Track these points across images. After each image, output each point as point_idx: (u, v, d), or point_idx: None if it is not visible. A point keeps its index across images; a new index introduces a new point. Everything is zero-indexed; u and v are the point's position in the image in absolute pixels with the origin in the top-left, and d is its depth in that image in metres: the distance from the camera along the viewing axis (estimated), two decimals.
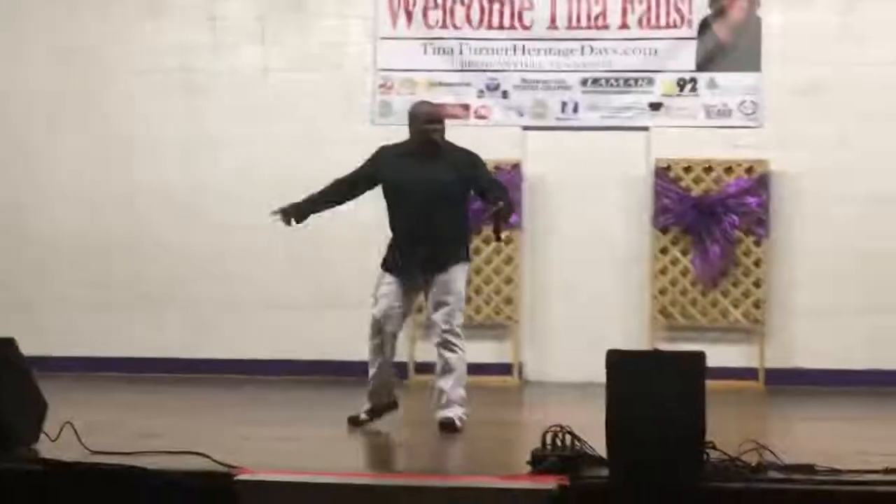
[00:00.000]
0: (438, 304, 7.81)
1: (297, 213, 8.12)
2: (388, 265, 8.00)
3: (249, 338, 11.17)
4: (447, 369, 7.78)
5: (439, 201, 7.79)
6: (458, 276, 7.85)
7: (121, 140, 11.44)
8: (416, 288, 7.97)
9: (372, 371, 7.93)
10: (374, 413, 7.99)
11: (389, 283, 7.92)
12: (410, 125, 7.97)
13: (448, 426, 7.66)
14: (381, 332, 7.87)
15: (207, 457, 6.05)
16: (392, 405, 8.07)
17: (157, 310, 11.32)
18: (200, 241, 11.31)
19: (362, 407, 7.96)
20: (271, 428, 7.67)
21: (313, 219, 10.88)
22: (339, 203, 8.30)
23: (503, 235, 7.94)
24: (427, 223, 7.83)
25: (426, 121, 7.89)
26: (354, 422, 7.95)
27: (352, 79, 11.26)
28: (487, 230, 9.58)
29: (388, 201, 8.03)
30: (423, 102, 8.47)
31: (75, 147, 11.53)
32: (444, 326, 7.77)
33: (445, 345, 7.79)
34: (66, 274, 11.46)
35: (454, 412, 7.73)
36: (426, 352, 10.79)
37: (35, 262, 11.50)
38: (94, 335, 11.29)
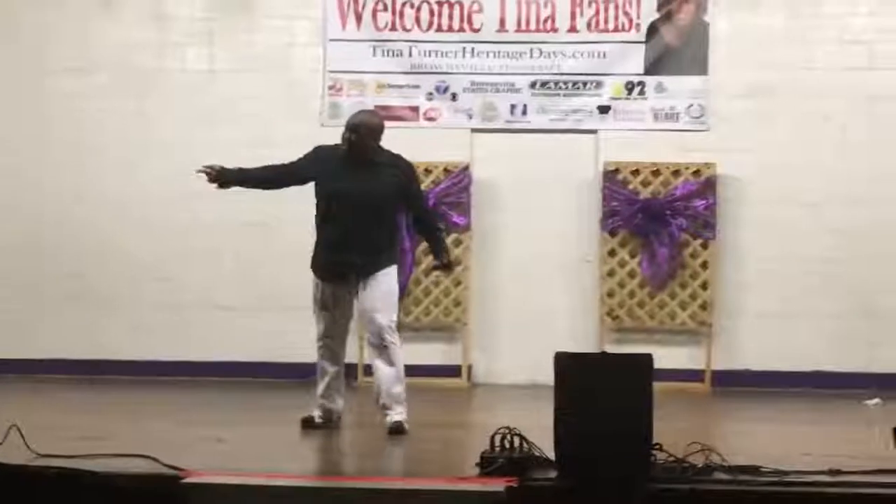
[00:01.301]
0: (371, 307, 7.82)
1: (224, 176, 8.09)
2: (318, 271, 8.01)
3: (193, 340, 11.10)
4: (385, 368, 7.82)
5: (372, 213, 7.85)
6: (387, 278, 7.88)
7: (62, 140, 11.31)
8: (349, 290, 7.95)
9: (322, 378, 7.99)
10: (326, 416, 8.01)
11: (325, 294, 7.93)
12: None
13: (396, 430, 7.71)
14: (327, 347, 7.97)
15: (154, 459, 6.03)
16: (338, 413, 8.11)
17: (98, 312, 11.21)
18: (143, 243, 11.23)
19: (314, 409, 7.97)
20: (217, 430, 7.63)
21: (256, 219, 10.96)
22: (266, 188, 8.38)
23: (449, 263, 8.16)
24: (357, 233, 7.85)
25: (346, 128, 7.95)
26: (308, 423, 7.97)
27: (300, 80, 11.22)
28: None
29: (319, 204, 8.02)
30: (357, 112, 8.38)
31: (12, 145, 11.39)
32: (380, 324, 7.77)
33: (380, 344, 7.81)
34: (3, 275, 11.32)
35: (400, 415, 7.76)
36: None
37: None
38: (34, 337, 11.17)
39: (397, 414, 7.77)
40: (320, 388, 8.02)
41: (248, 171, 8.21)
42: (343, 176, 7.86)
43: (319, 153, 8.12)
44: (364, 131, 7.92)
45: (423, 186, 9.29)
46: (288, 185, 8.27)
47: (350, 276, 7.88)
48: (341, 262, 7.85)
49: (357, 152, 7.89)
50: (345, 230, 7.85)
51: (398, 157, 8.07)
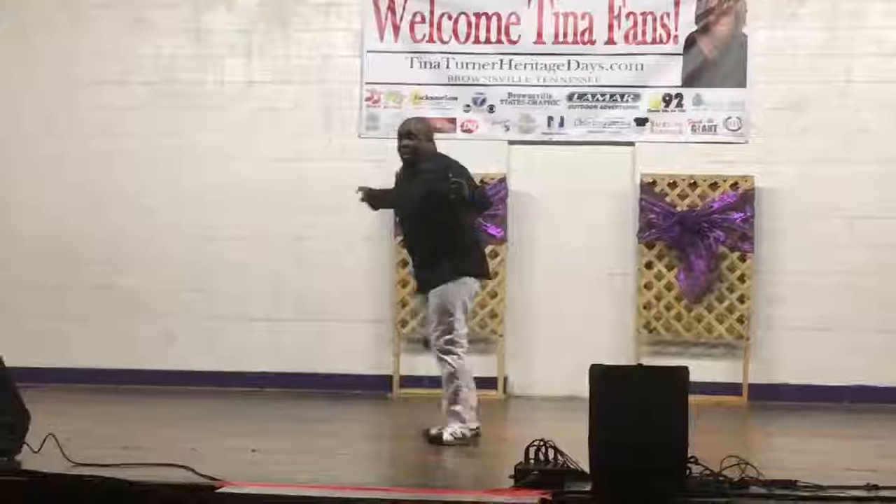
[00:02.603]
0: (430, 322, 7.97)
1: (376, 200, 8.18)
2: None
3: (226, 350, 11.15)
4: (443, 384, 7.92)
5: (415, 217, 7.95)
6: (443, 295, 7.85)
7: (97, 151, 11.38)
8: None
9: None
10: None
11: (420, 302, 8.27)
12: None
13: (434, 439, 7.80)
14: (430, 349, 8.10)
15: (190, 469, 6.05)
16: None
17: (131, 322, 11.27)
18: (177, 254, 11.28)
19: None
20: (253, 440, 7.65)
21: (290, 231, 10.99)
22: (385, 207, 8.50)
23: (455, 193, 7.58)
24: (410, 240, 8.10)
25: (396, 137, 8.08)
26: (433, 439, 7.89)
27: (338, 92, 11.26)
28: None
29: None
30: (405, 120, 8.42)
31: (46, 156, 11.47)
32: (434, 344, 7.89)
33: (438, 361, 7.92)
34: (36, 285, 11.40)
35: (446, 428, 7.81)
36: (410, 366, 10.84)
37: (9, 269, 11.45)
38: (66, 346, 11.24)
39: (440, 426, 7.85)
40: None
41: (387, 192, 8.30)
42: (402, 189, 8.05)
43: (397, 173, 8.32)
44: (418, 133, 8.00)
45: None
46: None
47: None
48: (414, 275, 8.17)
49: (414, 157, 7.94)
50: (408, 245, 8.17)
51: (440, 158, 8.00)
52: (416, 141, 7.99)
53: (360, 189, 8.12)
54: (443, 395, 7.94)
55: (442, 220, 7.81)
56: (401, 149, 8.02)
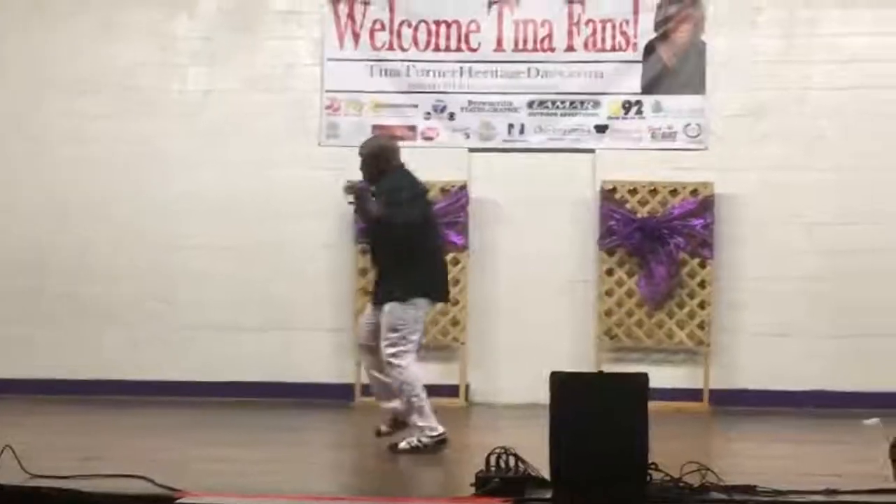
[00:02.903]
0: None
1: (359, 200, 8.00)
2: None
3: (192, 359, 11.09)
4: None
5: (374, 235, 8.09)
6: (392, 312, 7.87)
7: (61, 158, 11.32)
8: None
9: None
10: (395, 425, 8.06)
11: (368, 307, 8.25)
12: None
13: (391, 448, 7.83)
14: (360, 348, 8.19)
15: (149, 480, 6.01)
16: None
17: (97, 331, 11.20)
18: (143, 262, 11.23)
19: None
20: (213, 450, 7.62)
21: (259, 239, 10.99)
22: None
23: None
24: (372, 253, 8.23)
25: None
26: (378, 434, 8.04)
27: (299, 100, 11.25)
28: None
29: None
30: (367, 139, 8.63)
31: (10, 163, 11.41)
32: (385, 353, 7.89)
33: (387, 370, 7.94)
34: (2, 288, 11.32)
35: (406, 438, 7.85)
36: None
37: None
38: (30, 356, 11.15)
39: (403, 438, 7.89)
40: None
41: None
42: None
43: None
44: (365, 156, 8.05)
45: None
46: None
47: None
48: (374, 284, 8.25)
49: (370, 179, 7.98)
50: (371, 256, 8.31)
51: (391, 178, 7.96)
52: (368, 164, 8.02)
53: (349, 184, 8.01)
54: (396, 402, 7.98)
55: (396, 240, 7.85)
56: (360, 167, 8.06)
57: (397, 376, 7.84)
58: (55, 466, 6.32)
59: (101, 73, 11.37)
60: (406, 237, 7.82)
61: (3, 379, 10.82)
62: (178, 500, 5.69)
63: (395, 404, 7.99)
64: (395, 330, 7.84)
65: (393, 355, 7.83)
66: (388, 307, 7.88)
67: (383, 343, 7.88)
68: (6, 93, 11.46)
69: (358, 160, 8.09)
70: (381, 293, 7.97)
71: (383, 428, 8.05)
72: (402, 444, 7.75)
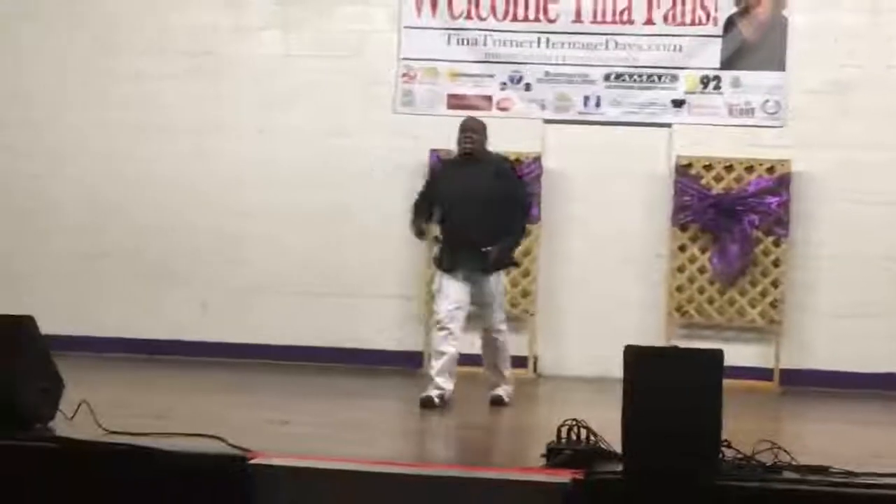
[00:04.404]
0: (482, 305, 8.53)
1: (417, 230, 8.78)
2: (442, 265, 8.64)
3: (263, 322, 11.17)
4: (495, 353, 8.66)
5: (475, 203, 8.42)
6: (498, 283, 8.61)
7: (132, 121, 11.41)
8: (467, 283, 8.52)
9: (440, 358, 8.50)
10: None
11: (448, 282, 8.51)
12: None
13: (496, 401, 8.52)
14: (446, 329, 8.48)
15: (222, 440, 6.06)
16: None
17: (163, 292, 11.31)
18: (211, 225, 11.30)
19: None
20: (282, 413, 7.66)
21: (325, 205, 10.92)
22: (428, 220, 8.84)
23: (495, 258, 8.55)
24: (464, 222, 8.49)
25: (460, 130, 8.64)
26: (427, 403, 8.32)
27: (374, 67, 11.24)
28: None
29: (440, 208, 8.69)
30: (464, 119, 8.97)
31: (81, 125, 11.50)
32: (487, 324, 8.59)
33: (489, 336, 8.61)
34: (70, 253, 11.44)
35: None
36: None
37: (36, 237, 11.50)
38: (98, 314, 11.29)
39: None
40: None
41: (413, 219, 8.79)
42: (454, 177, 8.70)
43: (436, 167, 9.36)
44: (480, 131, 8.68)
45: None
46: (433, 209, 8.81)
47: (463, 272, 8.61)
48: (456, 255, 8.62)
49: (473, 150, 8.61)
50: (459, 226, 8.66)
51: (503, 160, 9.00)
52: (478, 136, 8.61)
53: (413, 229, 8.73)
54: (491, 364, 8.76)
55: (501, 213, 8.48)
56: (464, 140, 8.59)
57: (503, 340, 8.78)
58: (128, 424, 6.38)
59: (171, 36, 11.43)
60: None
61: (72, 336, 10.94)
62: (250, 461, 5.74)
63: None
64: (498, 298, 8.71)
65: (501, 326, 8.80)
66: (495, 275, 8.55)
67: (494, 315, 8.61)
68: (75, 54, 11.55)
69: (454, 131, 8.74)
70: (484, 260, 8.41)
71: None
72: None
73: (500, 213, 8.45)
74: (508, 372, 8.77)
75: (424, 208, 8.77)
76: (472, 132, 8.61)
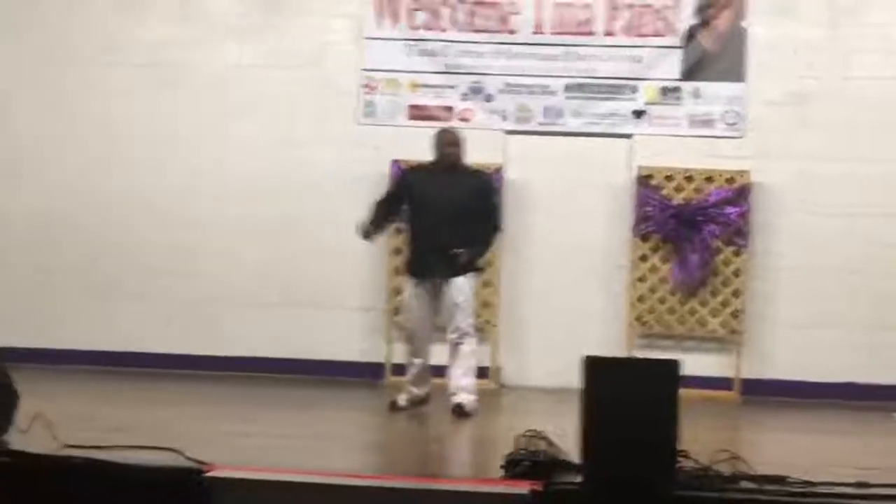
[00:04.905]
0: (450, 307, 8.66)
1: (367, 230, 8.92)
2: (410, 270, 8.90)
3: (216, 335, 11.10)
4: (458, 361, 8.73)
5: (451, 212, 8.62)
6: (467, 285, 8.75)
7: (86, 132, 11.34)
8: (434, 291, 8.72)
9: (411, 367, 8.88)
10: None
11: (415, 292, 8.79)
12: (434, 148, 8.94)
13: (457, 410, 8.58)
14: (411, 344, 8.86)
15: (179, 452, 6.02)
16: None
17: (122, 305, 11.22)
18: (168, 237, 11.20)
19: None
20: (240, 425, 7.63)
21: (280, 215, 10.91)
22: (390, 220, 9.08)
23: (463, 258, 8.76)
24: (434, 226, 8.66)
25: (446, 143, 8.84)
26: (392, 406, 8.77)
27: (335, 78, 11.21)
28: None
29: (412, 213, 8.89)
30: (444, 129, 9.22)
31: (35, 135, 11.41)
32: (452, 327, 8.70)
33: (457, 341, 8.71)
34: (27, 266, 11.35)
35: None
36: (402, 353, 10.80)
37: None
38: (55, 328, 11.20)
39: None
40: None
41: (372, 217, 8.95)
42: (430, 185, 8.84)
43: (409, 173, 9.34)
44: (462, 143, 8.96)
45: None
46: (397, 209, 9.03)
47: (432, 278, 8.85)
48: (427, 261, 8.80)
49: (457, 163, 8.93)
50: (429, 230, 8.84)
51: (481, 173, 9.38)
52: (461, 149, 8.93)
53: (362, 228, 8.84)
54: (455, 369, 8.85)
55: (474, 221, 8.77)
56: (449, 154, 8.85)
57: (472, 348, 8.95)
58: (84, 437, 6.33)
59: (125, 47, 11.34)
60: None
61: (27, 349, 10.84)
62: (206, 473, 5.70)
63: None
64: (468, 300, 8.89)
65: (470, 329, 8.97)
66: (467, 278, 8.74)
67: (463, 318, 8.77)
68: (27, 65, 11.44)
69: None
70: (456, 265, 8.63)
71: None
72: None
73: (473, 225, 8.72)
74: (471, 381, 8.78)
75: (388, 209, 8.93)
76: (456, 146, 8.89)
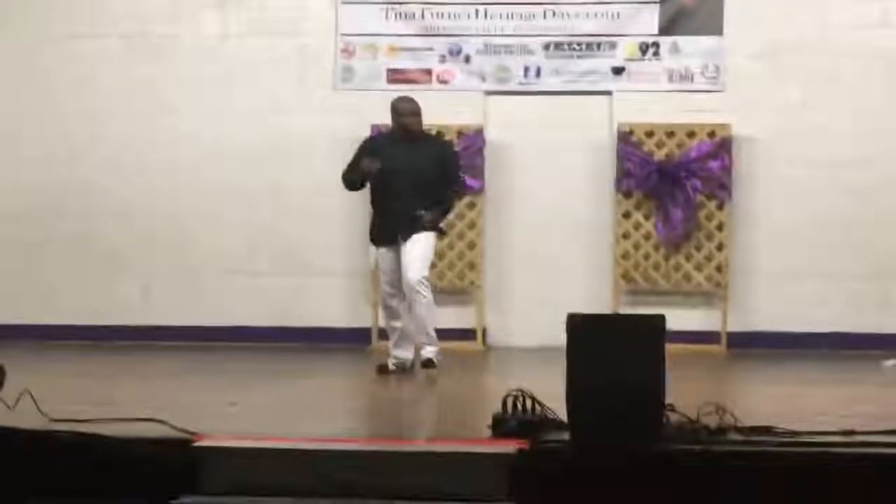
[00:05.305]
0: (408, 262, 8.58)
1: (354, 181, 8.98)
2: (372, 238, 8.96)
3: (204, 304, 11.11)
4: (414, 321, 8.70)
5: (412, 180, 8.59)
6: (425, 239, 8.68)
7: (69, 105, 11.30)
8: (400, 254, 8.66)
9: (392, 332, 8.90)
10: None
11: (382, 258, 8.77)
12: (392, 117, 8.86)
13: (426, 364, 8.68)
14: (388, 307, 8.88)
15: (166, 423, 6.02)
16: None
17: (108, 276, 11.21)
18: (152, 207, 11.21)
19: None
20: (228, 394, 7.62)
21: (265, 182, 11.02)
22: (363, 185, 8.97)
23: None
24: (395, 194, 8.62)
25: (404, 114, 8.75)
26: (381, 370, 8.80)
27: (313, 44, 11.17)
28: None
29: (374, 181, 8.78)
30: (401, 98, 9.00)
31: (16, 110, 11.36)
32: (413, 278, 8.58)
33: (411, 300, 8.65)
34: (11, 241, 11.31)
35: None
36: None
37: None
38: (43, 302, 11.18)
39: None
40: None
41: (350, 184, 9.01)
42: (394, 154, 8.71)
43: (373, 141, 9.23)
44: (418, 112, 8.80)
45: None
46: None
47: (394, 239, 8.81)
48: (388, 224, 8.80)
49: (418, 131, 8.84)
50: (393, 198, 8.78)
51: (441, 140, 9.41)
52: (420, 118, 8.79)
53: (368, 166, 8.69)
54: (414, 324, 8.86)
55: (435, 188, 8.75)
56: (411, 123, 8.75)
57: (427, 300, 8.79)
58: (72, 410, 6.33)
59: (107, 18, 11.28)
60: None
61: (16, 325, 10.84)
62: (194, 443, 5.71)
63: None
64: (426, 254, 8.84)
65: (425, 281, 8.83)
66: (425, 235, 8.69)
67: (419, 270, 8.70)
68: (8, 39, 11.38)
69: (388, 110, 8.94)
70: (417, 227, 8.62)
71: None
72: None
73: (436, 193, 8.73)
74: (429, 335, 8.73)
75: (355, 176, 8.89)
76: (415, 115, 8.77)
